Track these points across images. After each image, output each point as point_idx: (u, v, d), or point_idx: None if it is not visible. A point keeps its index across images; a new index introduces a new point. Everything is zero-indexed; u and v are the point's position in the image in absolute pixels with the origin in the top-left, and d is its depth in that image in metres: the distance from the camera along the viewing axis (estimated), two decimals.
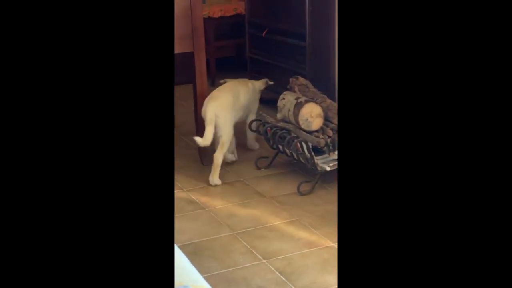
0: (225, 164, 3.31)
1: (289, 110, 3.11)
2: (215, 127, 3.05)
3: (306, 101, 3.03)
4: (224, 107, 3.11)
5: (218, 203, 2.90)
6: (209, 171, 3.14)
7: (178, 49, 3.19)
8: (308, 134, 2.98)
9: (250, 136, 3.42)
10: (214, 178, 3.08)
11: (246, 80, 3.49)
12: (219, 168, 3.05)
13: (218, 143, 3.08)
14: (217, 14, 4.86)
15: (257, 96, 3.43)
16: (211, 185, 3.08)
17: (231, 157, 3.30)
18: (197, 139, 3.00)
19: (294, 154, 3.05)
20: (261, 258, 2.41)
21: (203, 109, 3.13)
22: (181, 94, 4.63)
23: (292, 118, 3.09)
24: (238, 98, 3.24)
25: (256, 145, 3.46)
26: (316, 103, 3.04)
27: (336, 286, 2.17)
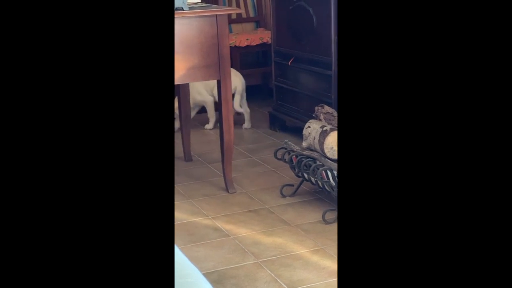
0: (251, 191, 3.33)
1: (314, 138, 3.11)
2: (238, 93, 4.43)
3: (332, 130, 3.03)
4: (240, 78, 4.46)
5: (242, 231, 2.89)
6: (235, 199, 3.22)
7: (204, 77, 3.22)
8: (333, 162, 2.97)
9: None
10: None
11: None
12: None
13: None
14: (244, 43, 4.91)
15: None
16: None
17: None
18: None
19: (319, 182, 3.04)
20: (286, 287, 2.39)
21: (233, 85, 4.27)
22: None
23: (317, 147, 3.09)
24: None
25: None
26: None
27: None
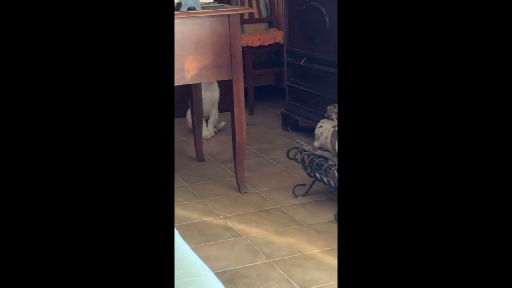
0: (263, 191, 3.33)
1: (326, 138, 3.11)
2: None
3: None
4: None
5: (254, 231, 2.89)
6: (247, 199, 3.23)
7: (216, 77, 3.23)
8: None
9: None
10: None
11: None
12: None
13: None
14: (256, 43, 4.91)
15: None
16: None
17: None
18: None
19: (331, 182, 3.03)
20: (298, 287, 2.39)
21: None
22: (219, 122, 4.67)
23: (329, 146, 3.08)
24: None
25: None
26: None
27: None
